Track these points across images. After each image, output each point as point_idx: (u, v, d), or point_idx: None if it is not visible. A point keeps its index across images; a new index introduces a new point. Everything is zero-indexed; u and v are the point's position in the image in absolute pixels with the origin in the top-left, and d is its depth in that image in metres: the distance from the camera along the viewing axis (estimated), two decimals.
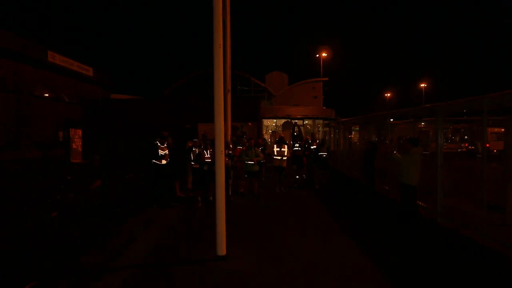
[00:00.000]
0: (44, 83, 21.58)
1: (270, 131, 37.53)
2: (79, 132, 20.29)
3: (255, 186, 10.40)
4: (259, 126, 23.69)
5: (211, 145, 9.56)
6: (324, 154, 11.66)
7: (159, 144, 9.22)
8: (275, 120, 38.36)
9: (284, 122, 37.69)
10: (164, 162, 9.23)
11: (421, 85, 58.87)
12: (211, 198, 9.29)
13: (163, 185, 9.51)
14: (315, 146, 12.26)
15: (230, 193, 10.01)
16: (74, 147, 19.40)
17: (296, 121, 38.12)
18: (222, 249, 5.45)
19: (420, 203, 8.01)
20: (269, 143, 21.77)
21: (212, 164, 9.00)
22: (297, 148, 12.96)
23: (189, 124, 21.15)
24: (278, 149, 11.24)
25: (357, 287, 4.54)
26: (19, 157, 17.91)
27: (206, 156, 9.22)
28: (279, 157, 11.19)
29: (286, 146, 11.39)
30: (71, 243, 6.19)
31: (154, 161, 9.12)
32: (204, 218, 7.87)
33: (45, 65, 21.38)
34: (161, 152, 9.22)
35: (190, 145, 10.65)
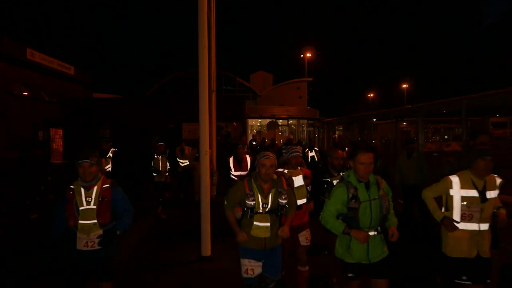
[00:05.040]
0: (22, 81, 20.96)
1: (255, 131, 37.59)
2: (60, 131, 19.80)
3: None
4: (244, 126, 23.66)
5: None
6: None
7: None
8: (259, 120, 38.44)
9: (269, 122, 37.81)
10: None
11: (403, 86, 60.02)
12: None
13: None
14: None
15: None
16: (54, 147, 18.95)
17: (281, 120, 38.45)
18: (207, 250, 5.43)
19: (400, 201, 8.18)
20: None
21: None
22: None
23: (173, 124, 20.92)
24: None
25: None
26: None
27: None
28: None
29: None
30: (51, 246, 6.05)
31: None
32: (187, 220, 7.84)
33: (24, 63, 20.76)
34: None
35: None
